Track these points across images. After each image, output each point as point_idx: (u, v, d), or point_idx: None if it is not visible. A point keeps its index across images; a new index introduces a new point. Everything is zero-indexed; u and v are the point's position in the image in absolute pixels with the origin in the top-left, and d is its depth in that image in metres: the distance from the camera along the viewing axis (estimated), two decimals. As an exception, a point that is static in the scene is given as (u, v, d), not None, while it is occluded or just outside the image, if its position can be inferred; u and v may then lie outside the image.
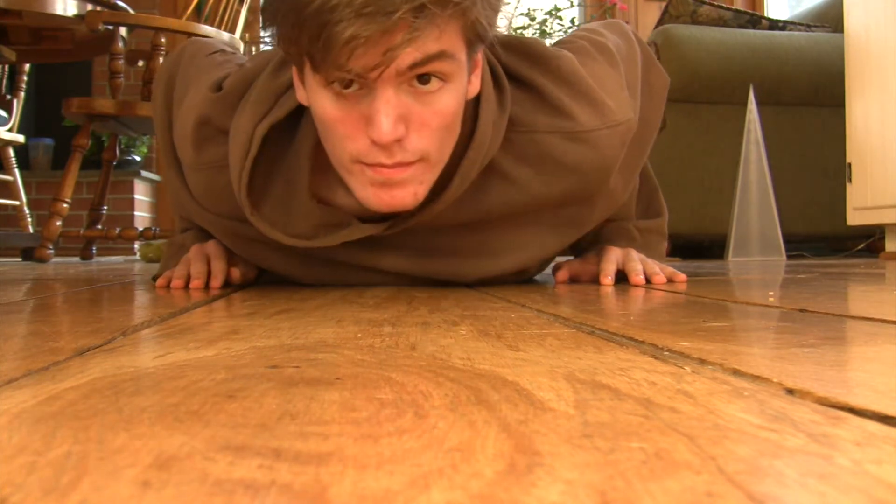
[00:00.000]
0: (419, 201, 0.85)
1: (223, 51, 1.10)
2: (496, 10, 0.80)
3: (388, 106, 0.76)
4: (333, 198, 0.94)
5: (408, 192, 0.83)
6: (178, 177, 1.03)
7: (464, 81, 0.82)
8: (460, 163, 0.88)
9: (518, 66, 0.93)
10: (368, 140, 0.79)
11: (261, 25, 0.81)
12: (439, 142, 0.82)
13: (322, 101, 0.80)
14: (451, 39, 0.77)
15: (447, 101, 0.80)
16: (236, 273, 1.04)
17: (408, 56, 0.74)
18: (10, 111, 3.14)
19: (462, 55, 0.79)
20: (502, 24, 0.89)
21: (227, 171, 0.93)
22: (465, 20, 0.77)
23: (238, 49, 1.19)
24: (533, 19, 3.84)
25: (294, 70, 0.84)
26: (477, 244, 1.00)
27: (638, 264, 1.03)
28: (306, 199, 0.93)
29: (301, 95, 0.85)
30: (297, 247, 0.96)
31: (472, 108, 0.87)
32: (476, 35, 0.79)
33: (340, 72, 0.75)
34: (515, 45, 0.94)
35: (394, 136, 0.77)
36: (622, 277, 1.04)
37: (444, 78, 0.78)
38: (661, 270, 1.03)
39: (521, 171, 0.94)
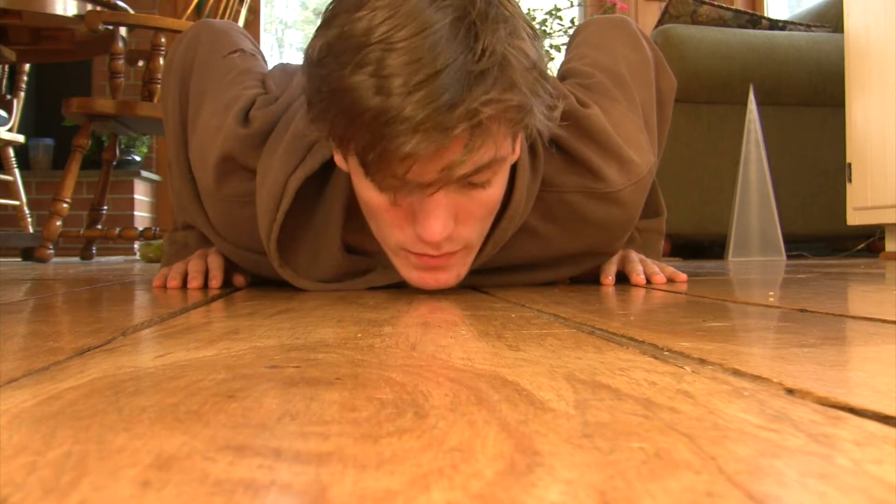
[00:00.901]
0: (461, 280, 0.86)
1: (242, 50, 1.06)
2: (552, 107, 0.78)
3: (439, 209, 0.76)
4: (363, 244, 0.93)
5: (451, 275, 0.84)
6: (190, 187, 1.00)
7: (508, 167, 0.81)
8: (494, 229, 0.87)
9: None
10: (415, 233, 0.79)
11: (307, 114, 0.77)
12: (483, 228, 0.83)
13: (368, 191, 0.78)
14: (505, 144, 0.76)
15: (494, 192, 0.80)
16: (240, 280, 1.03)
17: (462, 167, 0.73)
18: (10, 111, 3.14)
19: (512, 147, 0.79)
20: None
21: (250, 207, 0.91)
22: (522, 128, 0.76)
23: (254, 41, 1.16)
24: (533, 19, 3.85)
25: None
26: (495, 281, 1.00)
27: (638, 265, 1.03)
28: (336, 251, 0.92)
29: (339, 159, 0.82)
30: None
31: (508, 173, 0.86)
32: (529, 132, 0.79)
33: (394, 181, 0.73)
34: None
35: (443, 236, 0.77)
36: (622, 277, 1.04)
37: (493, 175, 0.78)
38: (661, 270, 1.03)
39: (549, 228, 0.95)
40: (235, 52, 1.05)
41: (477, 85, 0.68)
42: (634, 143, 0.95)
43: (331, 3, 0.75)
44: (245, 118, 0.94)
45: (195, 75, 1.03)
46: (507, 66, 0.69)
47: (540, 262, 0.99)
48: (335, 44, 0.70)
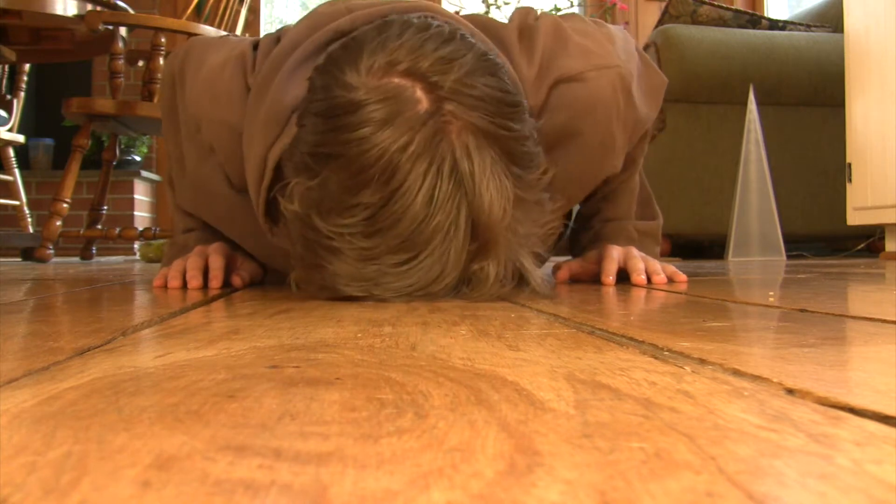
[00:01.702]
0: None
1: (235, 34, 1.09)
2: (545, 226, 0.77)
3: None
4: None
5: None
6: (201, 150, 1.00)
7: None
8: None
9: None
10: None
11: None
12: None
13: None
14: None
15: None
16: (237, 280, 1.03)
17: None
18: (10, 111, 3.14)
19: None
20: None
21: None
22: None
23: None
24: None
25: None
26: None
27: (640, 262, 1.03)
28: None
29: None
30: None
31: None
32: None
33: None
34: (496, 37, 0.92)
35: None
36: (622, 277, 1.04)
37: None
38: (661, 270, 1.03)
39: None
40: (228, 35, 1.07)
41: (476, 285, 0.69)
42: (596, 41, 0.95)
43: (321, 84, 0.74)
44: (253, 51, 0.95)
45: (191, 60, 1.03)
46: (504, 255, 0.69)
47: None
48: (324, 233, 0.69)
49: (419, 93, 0.70)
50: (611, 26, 1.04)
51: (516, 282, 0.72)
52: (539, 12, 1.00)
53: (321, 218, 0.69)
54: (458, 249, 0.67)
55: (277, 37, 0.97)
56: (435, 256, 0.66)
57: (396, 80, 0.70)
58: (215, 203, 1.03)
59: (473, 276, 0.68)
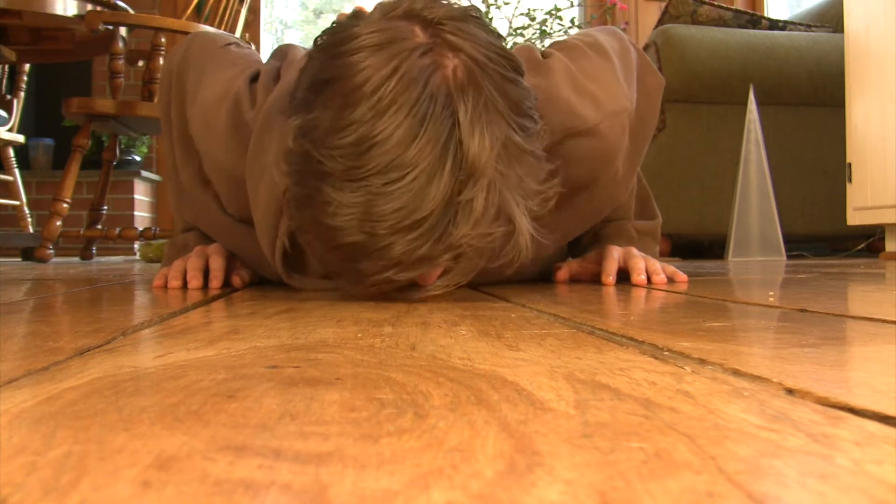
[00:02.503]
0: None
1: (237, 43, 1.07)
2: (543, 182, 0.75)
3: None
4: None
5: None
6: (197, 175, 1.00)
7: None
8: None
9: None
10: None
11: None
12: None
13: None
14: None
15: None
16: (237, 280, 1.03)
17: (440, 290, 0.74)
18: (10, 111, 3.14)
19: None
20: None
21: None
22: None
23: (250, 45, 1.16)
24: (533, 19, 3.84)
25: None
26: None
27: (641, 261, 1.03)
28: None
29: None
30: None
31: None
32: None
33: (364, 295, 0.75)
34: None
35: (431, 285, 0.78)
36: (622, 277, 1.04)
37: None
38: (662, 270, 1.03)
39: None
40: (230, 44, 1.06)
41: (463, 218, 0.67)
42: (605, 84, 0.95)
43: (317, 66, 0.73)
44: (251, 84, 0.94)
45: (192, 66, 1.02)
46: (493, 191, 0.68)
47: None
48: (316, 158, 0.68)
49: (417, 29, 0.71)
50: (604, 37, 1.03)
51: (505, 228, 0.70)
52: (541, 48, 1.00)
53: (314, 145, 0.68)
54: (446, 175, 0.66)
55: (277, 72, 0.96)
56: (422, 179, 0.65)
57: (398, 21, 0.71)
58: (212, 222, 1.04)
59: (460, 209, 0.67)
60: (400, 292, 0.76)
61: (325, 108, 0.68)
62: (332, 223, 0.67)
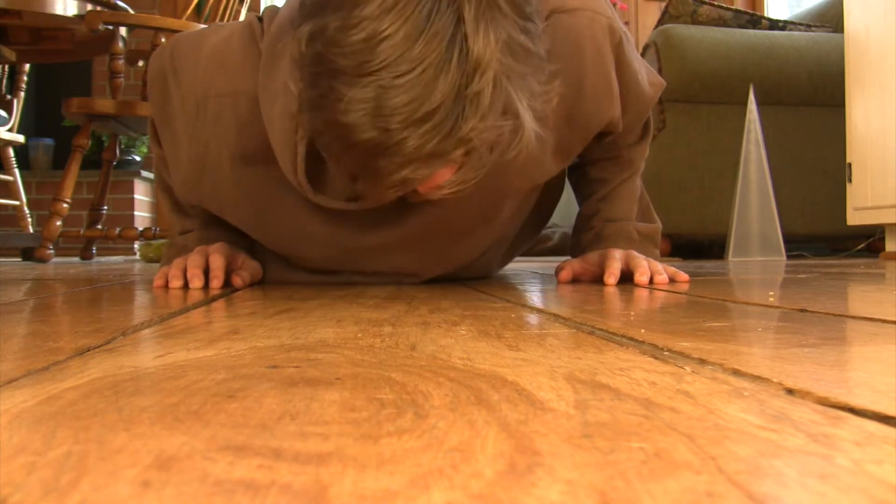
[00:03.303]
0: None
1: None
2: (544, 82, 0.77)
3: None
4: None
5: None
6: (204, 142, 1.00)
7: None
8: None
9: None
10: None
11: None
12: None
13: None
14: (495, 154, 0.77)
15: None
16: (238, 280, 1.03)
17: (453, 186, 0.75)
18: (10, 111, 3.14)
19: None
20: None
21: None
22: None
23: None
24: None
25: None
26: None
27: (643, 261, 1.03)
28: None
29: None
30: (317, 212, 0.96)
31: None
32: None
33: (381, 197, 0.76)
34: None
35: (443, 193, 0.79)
36: (624, 278, 1.04)
37: None
38: (663, 270, 1.04)
39: None
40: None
41: (471, 111, 0.68)
42: None
43: None
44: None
45: (183, 50, 1.02)
46: (499, 85, 0.69)
47: None
48: (327, 57, 0.69)
49: None
50: None
51: (512, 122, 0.71)
52: None
53: (325, 46, 0.70)
54: (453, 68, 0.68)
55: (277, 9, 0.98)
56: (430, 72, 0.67)
57: None
58: (220, 184, 1.02)
59: (468, 102, 0.68)
60: (418, 195, 0.77)
61: (335, 10, 0.70)
62: (346, 120, 0.68)
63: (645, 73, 1.10)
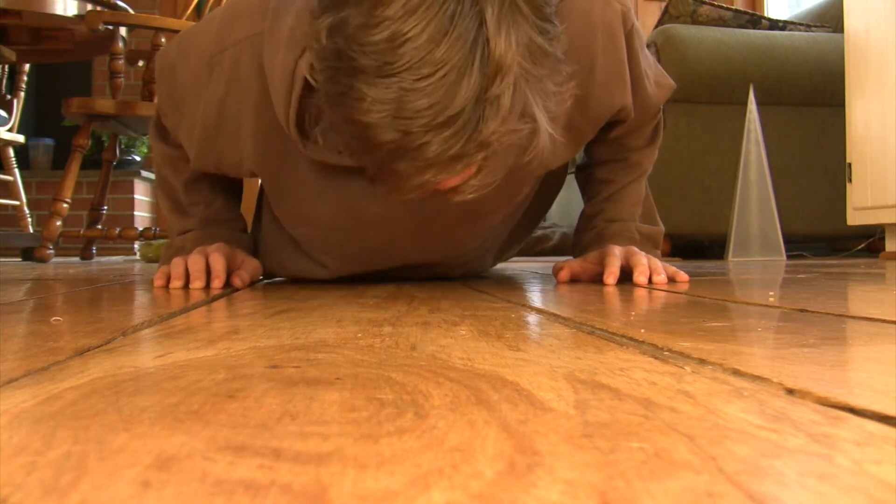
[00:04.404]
0: None
1: None
2: (562, 84, 0.77)
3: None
4: None
5: None
6: (220, 100, 1.01)
7: None
8: None
9: None
10: None
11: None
12: None
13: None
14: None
15: None
16: (238, 280, 1.03)
17: (472, 190, 0.75)
18: (10, 111, 3.14)
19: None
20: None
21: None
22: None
23: None
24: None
25: None
26: None
27: (643, 259, 1.03)
28: None
29: None
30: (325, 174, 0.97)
31: None
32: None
33: (398, 196, 0.75)
34: None
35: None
36: (624, 277, 1.04)
37: None
38: (663, 270, 1.03)
39: None
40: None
41: (492, 115, 0.68)
42: None
43: None
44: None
45: (191, 35, 1.04)
46: (519, 88, 0.69)
47: None
48: (348, 54, 0.69)
49: None
50: None
51: (530, 126, 0.72)
52: None
53: (346, 42, 0.69)
54: (475, 72, 0.68)
55: None
56: (453, 76, 0.67)
57: None
58: (239, 138, 1.02)
59: (488, 106, 0.68)
60: (438, 195, 0.77)
61: (357, 5, 0.69)
62: (366, 120, 0.68)
63: (653, 75, 1.10)
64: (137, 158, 4.22)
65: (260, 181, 1.14)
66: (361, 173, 0.95)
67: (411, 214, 1.01)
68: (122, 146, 3.99)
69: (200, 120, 1.03)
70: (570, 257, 1.18)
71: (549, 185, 1.23)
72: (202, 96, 1.02)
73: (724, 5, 2.83)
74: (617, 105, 1.04)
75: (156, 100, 2.48)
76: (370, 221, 1.03)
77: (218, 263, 1.01)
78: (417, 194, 0.74)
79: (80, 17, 2.46)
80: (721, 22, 2.73)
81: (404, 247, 1.08)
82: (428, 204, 0.99)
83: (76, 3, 2.49)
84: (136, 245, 3.70)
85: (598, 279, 1.08)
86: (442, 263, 1.16)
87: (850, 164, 2.37)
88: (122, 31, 2.68)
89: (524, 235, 1.34)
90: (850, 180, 2.36)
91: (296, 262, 1.15)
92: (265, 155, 1.01)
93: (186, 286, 1.00)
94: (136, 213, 4.16)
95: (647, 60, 1.08)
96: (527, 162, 0.75)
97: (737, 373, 0.35)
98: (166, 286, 1.01)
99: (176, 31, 2.49)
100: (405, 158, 0.69)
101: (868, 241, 2.69)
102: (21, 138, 3.21)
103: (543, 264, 1.94)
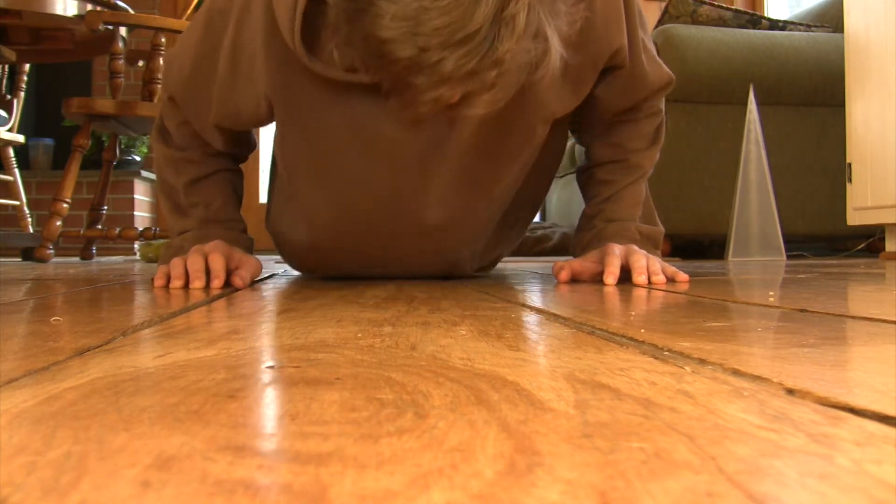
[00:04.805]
0: None
1: None
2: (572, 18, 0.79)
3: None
4: None
5: None
6: (226, 46, 1.03)
7: None
8: None
9: None
10: None
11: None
12: None
13: None
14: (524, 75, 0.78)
15: None
16: (238, 280, 1.03)
17: (483, 107, 0.76)
18: (10, 111, 3.14)
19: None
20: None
21: None
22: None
23: None
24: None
25: None
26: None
27: (643, 258, 1.03)
28: None
29: None
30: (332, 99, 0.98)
31: None
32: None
33: (410, 114, 0.76)
34: None
35: None
36: (623, 277, 1.04)
37: None
38: (662, 270, 1.03)
39: None
40: None
41: (507, 34, 0.70)
42: None
43: None
44: None
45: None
46: (533, 7, 0.71)
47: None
48: None
49: None
50: None
51: (542, 45, 0.73)
52: None
53: None
54: None
55: None
56: None
57: None
58: (255, 76, 1.03)
59: (503, 25, 0.70)
60: (449, 109, 0.78)
61: None
62: (385, 35, 0.70)
63: (651, 50, 1.11)
64: (137, 158, 4.22)
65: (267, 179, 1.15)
66: (369, 93, 0.97)
67: (415, 136, 1.03)
68: (122, 146, 3.99)
69: (219, 68, 1.05)
70: (571, 257, 1.18)
71: (542, 171, 1.22)
72: (217, 48, 1.04)
73: (724, 5, 2.83)
74: (614, 45, 1.05)
75: (156, 99, 2.48)
76: (375, 142, 1.04)
77: (217, 263, 1.01)
78: (430, 109, 0.75)
79: (80, 17, 2.45)
80: (721, 22, 2.73)
81: (413, 184, 1.07)
82: (434, 128, 1.01)
83: (76, 3, 2.49)
84: (136, 245, 3.70)
85: (598, 278, 1.08)
86: (436, 240, 1.14)
87: (850, 164, 2.37)
88: (122, 31, 2.68)
89: (516, 231, 1.33)
90: (850, 180, 2.36)
91: (300, 232, 1.16)
92: (277, 79, 1.03)
93: (186, 286, 1.00)
94: (136, 213, 4.16)
95: (646, 31, 1.10)
96: (539, 92, 0.74)
97: (737, 373, 0.35)
98: (166, 286, 1.01)
99: (176, 31, 2.49)
100: (421, 74, 0.70)
101: (868, 241, 2.69)
102: (21, 138, 3.21)
103: (543, 264, 1.94)
